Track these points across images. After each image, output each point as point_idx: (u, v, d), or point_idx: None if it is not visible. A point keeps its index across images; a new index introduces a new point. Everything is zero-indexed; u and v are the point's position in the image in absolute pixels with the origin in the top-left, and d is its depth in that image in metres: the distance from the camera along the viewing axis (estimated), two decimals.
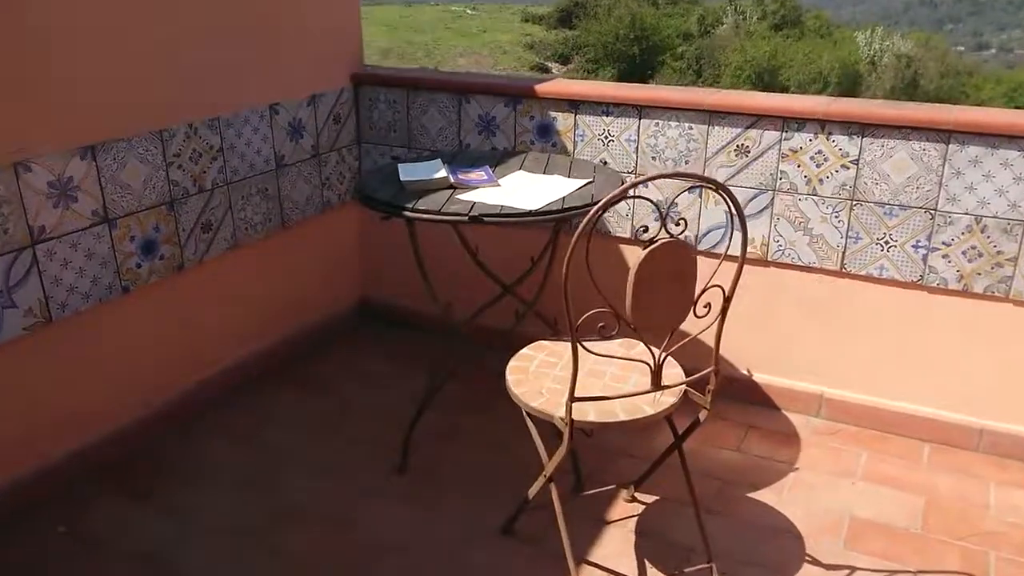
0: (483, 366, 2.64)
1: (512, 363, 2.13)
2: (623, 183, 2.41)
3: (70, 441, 2.49)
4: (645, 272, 1.68)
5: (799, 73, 33.30)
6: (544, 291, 2.55)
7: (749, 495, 2.46)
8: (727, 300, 1.84)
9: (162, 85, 2.57)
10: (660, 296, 1.73)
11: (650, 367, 1.81)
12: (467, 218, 2.09)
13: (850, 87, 32.34)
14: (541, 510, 2.19)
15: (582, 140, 2.96)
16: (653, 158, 2.85)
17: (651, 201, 1.73)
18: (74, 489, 2.45)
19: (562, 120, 2.97)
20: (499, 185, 2.39)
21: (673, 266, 1.72)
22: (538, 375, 2.07)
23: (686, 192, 2.83)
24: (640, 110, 2.84)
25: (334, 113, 3.23)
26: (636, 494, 2.41)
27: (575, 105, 2.94)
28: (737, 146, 2.72)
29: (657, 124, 2.82)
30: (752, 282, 2.79)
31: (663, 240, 1.68)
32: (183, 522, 2.35)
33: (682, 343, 1.85)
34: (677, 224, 1.70)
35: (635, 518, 2.36)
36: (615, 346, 2.09)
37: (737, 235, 1.82)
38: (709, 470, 2.56)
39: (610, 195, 1.59)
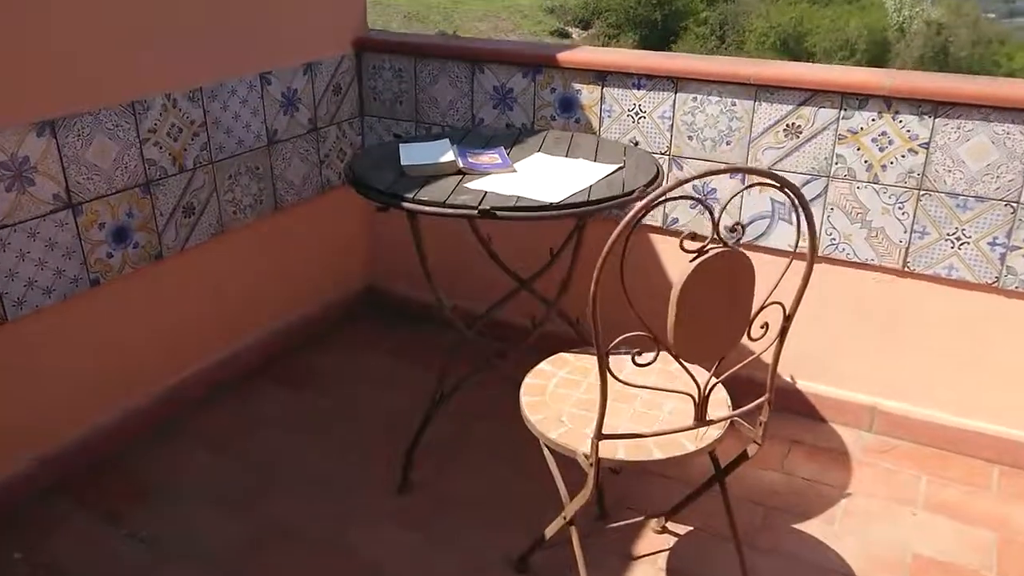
0: (498, 367, 2.34)
1: (528, 380, 1.83)
2: (657, 169, 2.10)
3: (32, 452, 2.23)
4: (692, 289, 1.37)
5: (825, 40, 32.36)
6: (566, 291, 2.24)
7: (795, 526, 2.17)
8: (787, 319, 1.54)
9: (134, 51, 2.26)
10: (709, 316, 1.42)
11: (694, 399, 1.51)
12: (476, 212, 1.79)
13: (878, 54, 31.44)
14: (559, 544, 1.91)
15: (609, 116, 2.63)
16: (690, 138, 2.53)
17: (698, 200, 1.42)
18: (35, 507, 2.20)
19: (587, 93, 2.65)
20: (515, 171, 2.07)
21: (727, 281, 1.41)
22: (558, 397, 1.77)
23: (727, 176, 2.50)
24: (676, 83, 2.50)
25: (334, 83, 2.91)
26: (667, 524, 2.12)
27: (602, 76, 2.61)
28: (787, 126, 2.39)
29: (695, 99, 2.49)
30: (799, 278, 2.48)
31: (716, 250, 1.37)
32: (155, 546, 2.09)
33: (733, 371, 1.54)
34: (733, 231, 1.38)
35: (665, 553, 2.07)
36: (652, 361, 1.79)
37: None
38: (749, 494, 2.26)
39: (648, 199, 1.28)
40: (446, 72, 2.84)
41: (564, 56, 2.65)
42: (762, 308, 1.48)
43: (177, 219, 2.47)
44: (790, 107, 2.37)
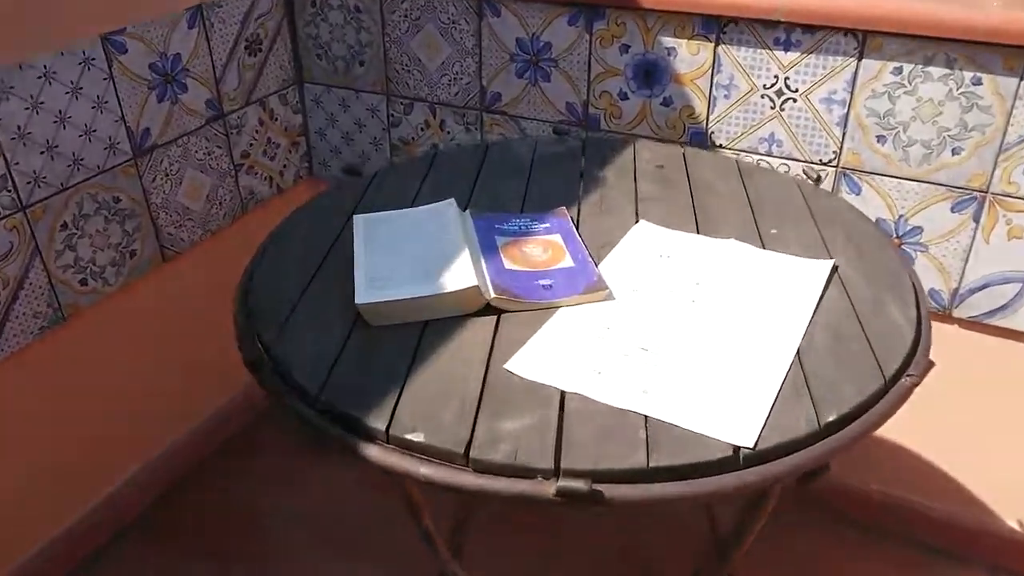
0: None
1: None
2: (912, 280, 0.99)
3: None
4: None
5: None
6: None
7: None
8: None
9: None
10: None
11: None
12: (553, 492, 0.69)
13: None
14: None
15: (727, 97, 1.50)
16: (881, 139, 1.40)
17: None
18: None
19: (686, 54, 1.50)
20: (608, 292, 0.95)
21: None
22: None
23: (945, 206, 1.41)
24: (862, 39, 1.36)
25: (247, 35, 1.74)
26: None
27: (715, 24, 1.45)
28: None
29: (897, 70, 1.35)
30: None
31: None
32: None
33: None
34: None
35: None
36: None
37: None
38: None
39: None
40: (435, 13, 1.67)
41: None
42: None
43: None
44: None
